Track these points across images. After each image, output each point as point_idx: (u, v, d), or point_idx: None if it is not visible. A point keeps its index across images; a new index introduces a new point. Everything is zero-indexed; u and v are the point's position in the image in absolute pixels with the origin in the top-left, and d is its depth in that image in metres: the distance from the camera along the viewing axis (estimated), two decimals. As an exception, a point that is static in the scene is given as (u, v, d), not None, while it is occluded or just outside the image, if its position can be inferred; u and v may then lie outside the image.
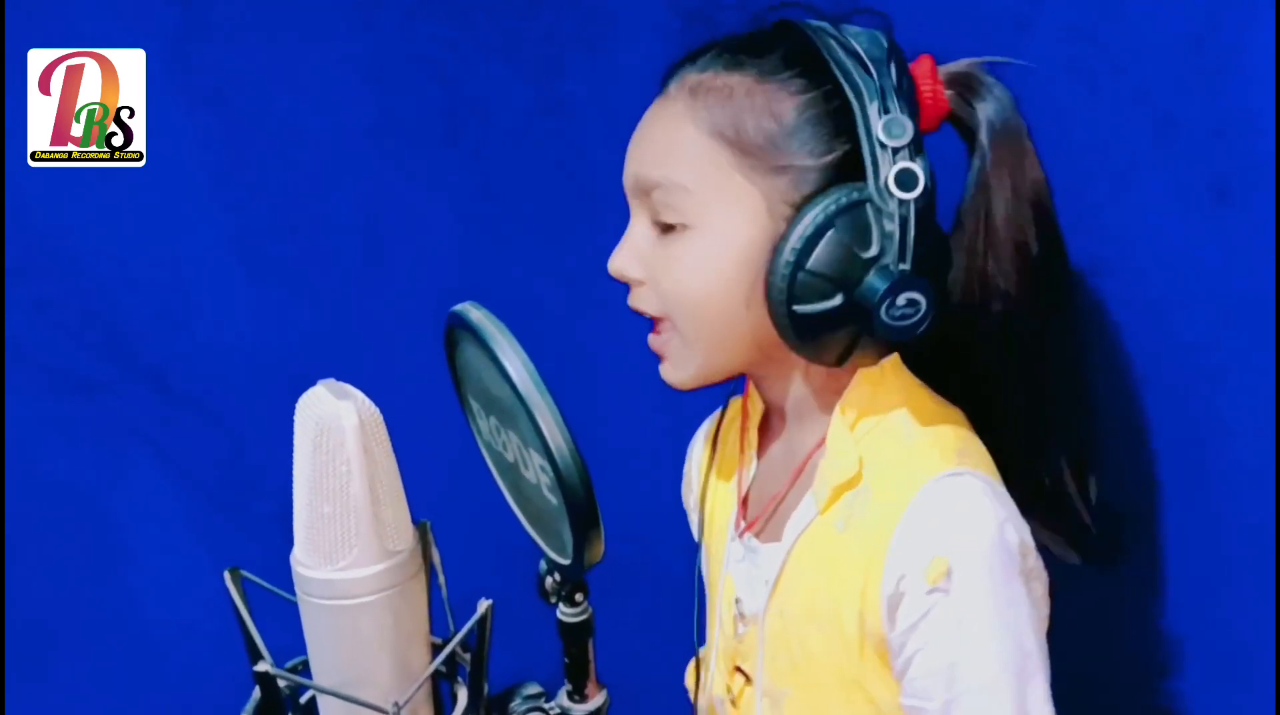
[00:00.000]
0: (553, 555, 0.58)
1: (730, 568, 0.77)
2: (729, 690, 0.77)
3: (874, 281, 0.64)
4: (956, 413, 0.72)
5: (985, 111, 0.69)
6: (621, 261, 0.71)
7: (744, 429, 0.80)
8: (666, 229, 0.69)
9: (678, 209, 0.68)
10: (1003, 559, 0.64)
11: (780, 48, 0.68)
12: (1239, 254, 0.72)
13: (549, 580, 0.62)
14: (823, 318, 0.65)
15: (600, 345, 1.09)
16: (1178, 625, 0.81)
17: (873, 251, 0.64)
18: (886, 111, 0.65)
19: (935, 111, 0.69)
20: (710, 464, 0.83)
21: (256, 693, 0.55)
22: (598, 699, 0.61)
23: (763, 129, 0.66)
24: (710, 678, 0.79)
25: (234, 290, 1.02)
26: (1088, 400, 0.76)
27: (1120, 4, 0.76)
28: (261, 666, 0.51)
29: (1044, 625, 0.67)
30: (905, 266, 0.64)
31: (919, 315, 0.65)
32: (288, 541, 0.56)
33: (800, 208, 0.65)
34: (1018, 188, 0.69)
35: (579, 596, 0.60)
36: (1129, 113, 0.77)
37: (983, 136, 0.69)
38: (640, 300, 0.72)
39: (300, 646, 0.58)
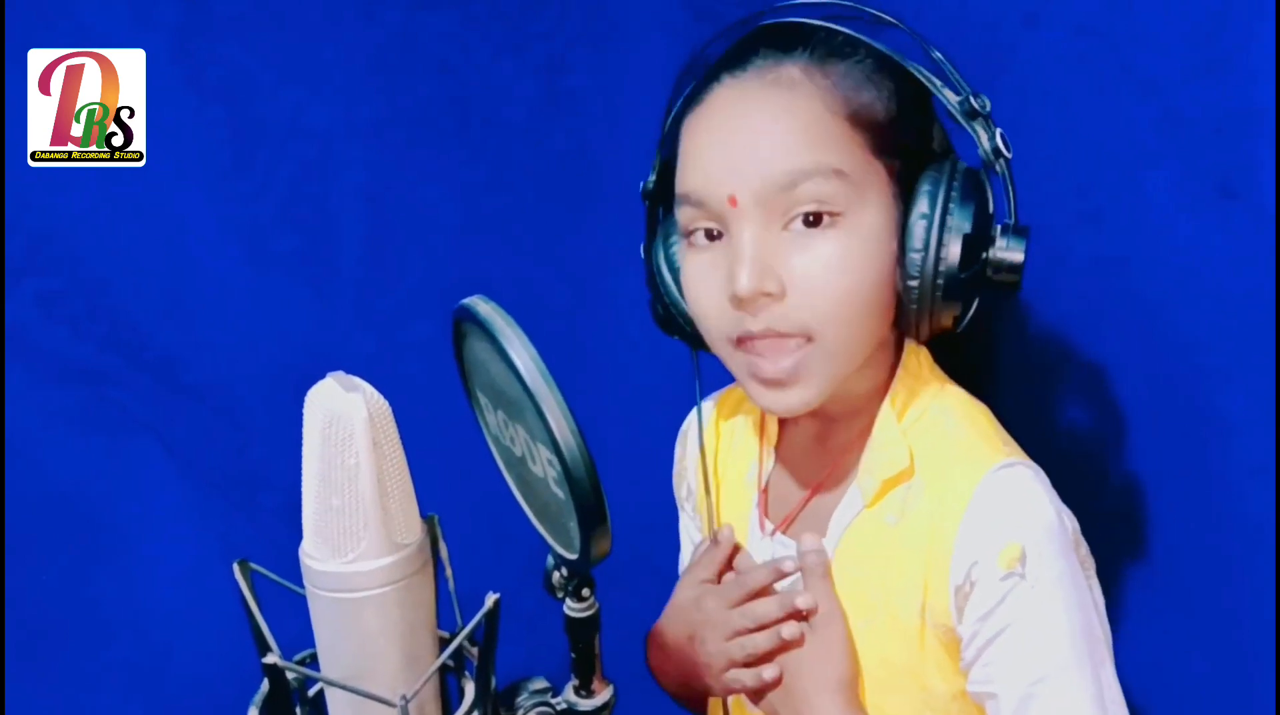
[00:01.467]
0: (560, 550, 0.58)
1: None
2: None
3: (1010, 240, 0.65)
4: (983, 405, 0.73)
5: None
6: (757, 278, 0.64)
7: (762, 424, 0.79)
8: (810, 222, 0.65)
9: (833, 197, 0.65)
10: (1067, 544, 0.66)
11: (862, 41, 0.68)
12: (1244, 250, 0.72)
13: (556, 575, 0.62)
14: (965, 286, 0.66)
15: (605, 339, 1.10)
16: (1181, 626, 0.81)
17: (991, 210, 0.67)
18: (960, 89, 0.66)
19: None
20: (711, 457, 0.82)
21: (264, 685, 0.55)
22: (604, 694, 0.61)
23: (885, 108, 0.67)
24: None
25: (241, 283, 1.02)
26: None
27: (1126, 0, 0.76)
28: (270, 659, 0.51)
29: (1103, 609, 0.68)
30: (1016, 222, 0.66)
31: (1018, 276, 0.67)
32: (294, 535, 0.56)
33: (910, 185, 0.66)
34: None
35: (586, 591, 0.60)
36: (1135, 109, 0.77)
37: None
38: (775, 320, 0.66)
39: (308, 640, 0.59)
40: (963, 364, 0.76)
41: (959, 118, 0.66)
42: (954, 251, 0.65)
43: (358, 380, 0.54)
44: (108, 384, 1.01)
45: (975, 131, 0.66)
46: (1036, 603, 0.64)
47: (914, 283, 0.65)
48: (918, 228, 0.65)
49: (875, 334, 0.69)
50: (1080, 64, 0.80)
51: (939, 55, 0.67)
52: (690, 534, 0.89)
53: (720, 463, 0.82)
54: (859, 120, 0.66)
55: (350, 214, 1.03)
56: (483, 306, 0.56)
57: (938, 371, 0.74)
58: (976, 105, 0.66)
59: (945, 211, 0.65)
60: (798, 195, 0.65)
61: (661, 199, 0.76)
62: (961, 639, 0.66)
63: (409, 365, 0.95)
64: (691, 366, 0.79)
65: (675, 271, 0.74)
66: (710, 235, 0.68)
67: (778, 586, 0.74)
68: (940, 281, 0.65)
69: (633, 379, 1.11)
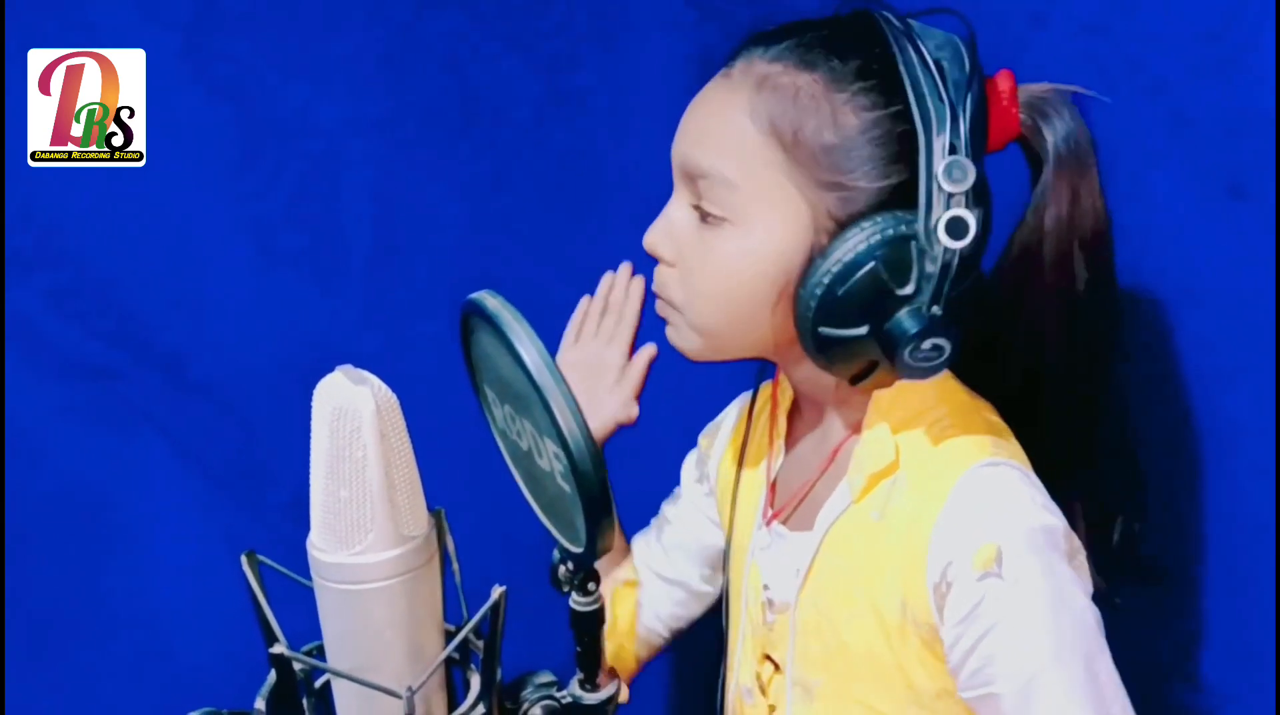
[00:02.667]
0: (566, 543, 0.58)
1: (756, 555, 0.77)
2: (758, 678, 0.77)
3: (905, 321, 0.63)
4: (987, 404, 0.71)
5: (1054, 140, 0.67)
6: (656, 238, 0.70)
7: (773, 416, 0.80)
8: (706, 218, 0.67)
9: (721, 202, 0.66)
10: (1048, 540, 0.64)
11: (859, 54, 0.65)
12: (1252, 250, 0.72)
13: (562, 569, 0.62)
14: (846, 343, 0.65)
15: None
16: (1185, 627, 0.81)
17: (908, 289, 0.63)
18: (953, 151, 0.61)
19: (1004, 134, 0.67)
20: (739, 453, 0.82)
21: (272, 676, 0.55)
22: (609, 688, 0.61)
23: (822, 140, 0.64)
24: (736, 666, 0.79)
25: (248, 280, 1.02)
26: (1130, 458, 0.74)
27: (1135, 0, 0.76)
28: (277, 648, 0.51)
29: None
30: (938, 311, 0.63)
31: (941, 359, 0.64)
32: (301, 532, 0.56)
33: (844, 226, 0.64)
34: (1074, 225, 0.67)
35: (591, 586, 0.60)
36: (1144, 109, 0.77)
37: (1047, 170, 0.67)
38: (664, 285, 0.70)
39: (314, 635, 0.59)
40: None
41: (922, 181, 0.62)
42: (832, 305, 0.63)
43: (366, 374, 0.54)
44: (116, 380, 1.01)
45: (929, 202, 0.62)
46: (1017, 602, 0.62)
47: (797, 321, 0.66)
48: (814, 272, 0.64)
49: (767, 337, 0.69)
50: (1088, 64, 0.80)
51: (964, 108, 0.62)
52: (696, 507, 0.89)
53: (746, 459, 0.82)
54: (783, 141, 0.64)
55: (357, 211, 1.03)
56: (490, 301, 0.56)
57: (955, 381, 0.72)
58: (944, 181, 0.61)
59: (847, 266, 0.62)
60: (696, 187, 0.67)
61: None
62: (944, 640, 0.65)
63: (416, 362, 0.95)
64: (729, 366, 0.78)
65: None
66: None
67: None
68: (809, 333, 0.65)
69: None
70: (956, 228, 0.62)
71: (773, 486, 0.78)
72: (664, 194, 0.71)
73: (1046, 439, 0.70)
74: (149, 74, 0.94)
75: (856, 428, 0.71)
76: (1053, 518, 0.65)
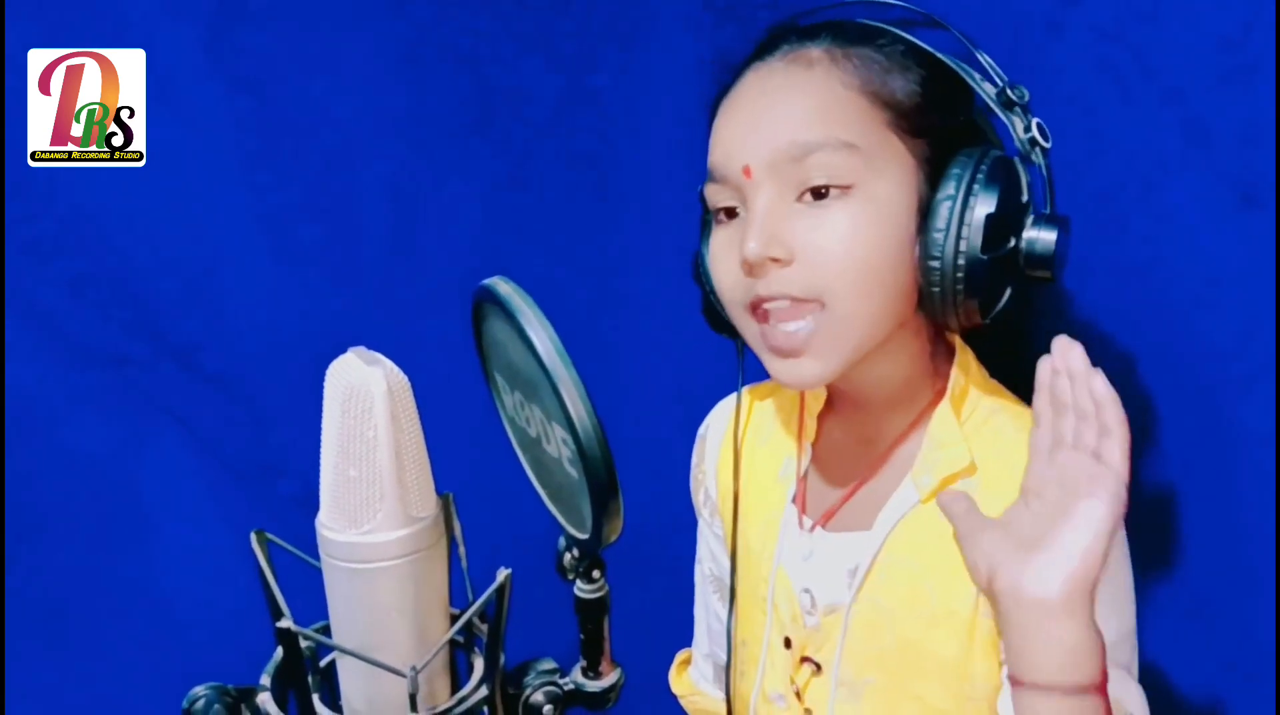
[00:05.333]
0: (571, 530, 0.58)
1: (785, 560, 0.76)
2: (792, 682, 0.76)
3: (1042, 224, 0.66)
4: (1024, 403, 0.73)
5: None
6: (764, 241, 0.65)
7: (800, 421, 0.80)
8: (819, 195, 0.66)
9: (842, 170, 0.65)
10: None
11: (854, 29, 0.69)
12: (1266, 258, 0.72)
13: (568, 556, 0.62)
14: (990, 268, 0.65)
15: (621, 336, 1.10)
16: (1186, 628, 0.80)
17: (1024, 198, 0.67)
18: (999, 80, 0.67)
19: None
20: (736, 458, 0.81)
21: (278, 653, 0.56)
22: (611, 676, 0.61)
23: (910, 90, 0.67)
24: (760, 674, 0.78)
25: (264, 272, 1.03)
26: None
27: (1151, 7, 0.76)
28: (284, 623, 0.51)
29: None
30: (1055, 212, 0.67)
31: (1061, 262, 0.67)
32: (308, 523, 0.56)
33: (937, 167, 0.67)
34: None
35: (596, 573, 0.60)
36: (1158, 116, 0.77)
37: None
38: (784, 284, 0.66)
39: (318, 619, 0.59)
40: (991, 365, 0.76)
41: (995, 108, 0.67)
42: (977, 233, 0.65)
43: (379, 356, 0.55)
44: (132, 368, 1.02)
45: (1011, 121, 0.67)
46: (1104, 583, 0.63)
47: (934, 263, 0.65)
48: (942, 208, 0.65)
49: (892, 311, 0.68)
50: (1104, 71, 0.80)
51: (976, 50, 0.69)
52: (709, 542, 0.89)
53: (749, 463, 0.82)
54: (879, 98, 0.67)
55: (374, 206, 1.04)
56: (503, 286, 0.56)
57: (984, 370, 0.74)
58: (1014, 96, 0.67)
59: (969, 193, 0.65)
60: (807, 166, 0.65)
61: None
62: None
63: (428, 355, 0.95)
64: (735, 364, 0.79)
65: None
66: (731, 213, 0.70)
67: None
68: (961, 262, 0.65)
69: (651, 376, 1.12)
70: (1043, 130, 0.67)
71: (801, 491, 0.78)
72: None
73: None
74: (170, 67, 0.95)
75: (908, 426, 0.73)
76: None
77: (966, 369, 0.73)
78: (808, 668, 0.75)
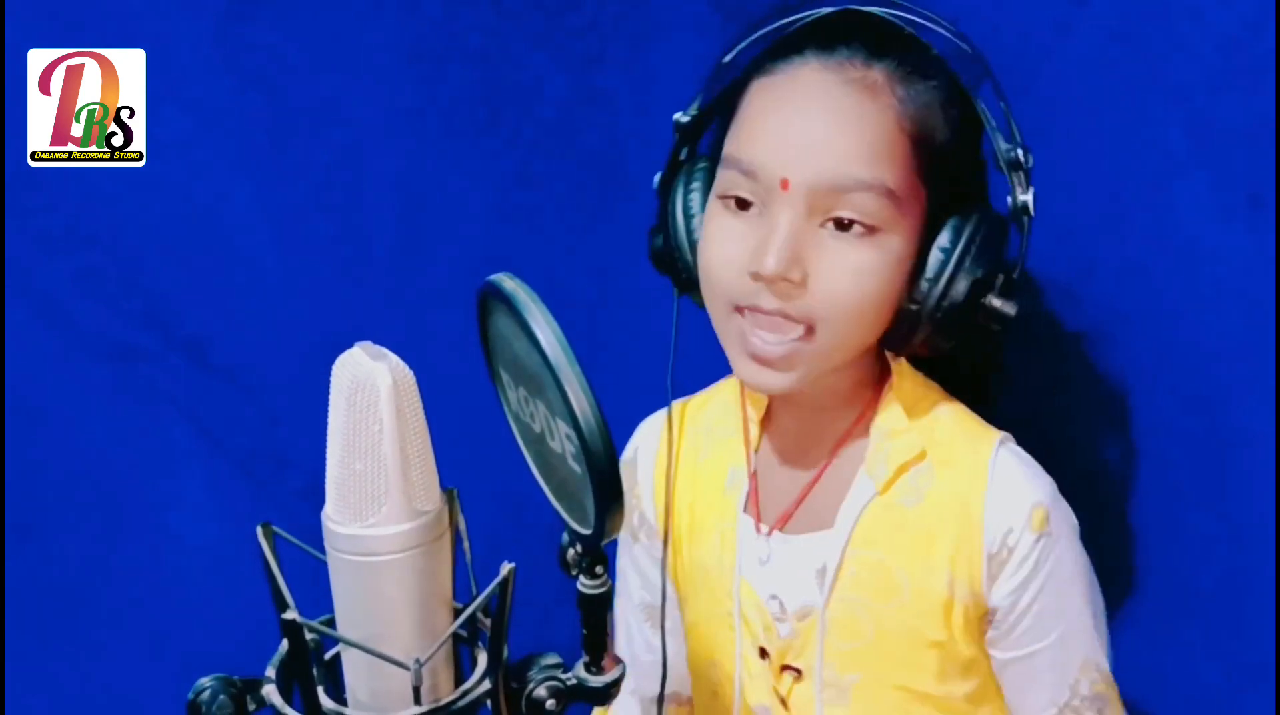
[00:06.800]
0: (575, 525, 0.58)
1: (746, 571, 0.76)
2: (775, 693, 0.76)
3: (1008, 299, 0.68)
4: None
5: None
6: (785, 264, 0.65)
7: (745, 427, 0.80)
8: (842, 226, 0.66)
9: (874, 213, 0.66)
10: (1058, 495, 0.72)
11: (919, 54, 0.68)
12: (1268, 259, 0.72)
13: (571, 552, 0.62)
14: (961, 321, 0.68)
15: (627, 336, 1.10)
16: (1187, 631, 0.80)
17: (1003, 264, 0.69)
18: (1012, 139, 0.69)
19: None
20: (669, 469, 0.81)
21: (283, 645, 0.56)
22: (614, 672, 0.62)
23: (946, 136, 0.68)
24: (738, 692, 0.78)
25: (273, 267, 1.03)
26: None
27: (1159, 8, 0.77)
28: (289, 615, 0.52)
29: None
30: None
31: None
32: (316, 517, 0.57)
33: (940, 214, 0.68)
34: None
35: (599, 569, 0.61)
36: (1166, 116, 0.77)
37: None
38: (784, 302, 0.67)
39: (324, 610, 0.59)
40: (972, 370, 0.77)
41: (1002, 164, 0.68)
42: (960, 291, 0.67)
43: (385, 350, 0.55)
44: (141, 361, 1.02)
45: (1012, 183, 0.68)
46: (1065, 554, 0.69)
47: (914, 307, 0.68)
48: (935, 258, 0.67)
49: (868, 342, 0.71)
50: (1111, 72, 0.80)
51: (1002, 99, 0.69)
52: (640, 569, 0.85)
53: (691, 480, 0.81)
54: (922, 141, 0.67)
55: (382, 202, 1.04)
56: (508, 282, 0.57)
57: (915, 369, 0.77)
58: (1022, 159, 0.68)
59: (966, 252, 0.67)
60: (845, 200, 0.66)
61: (692, 138, 0.77)
62: (997, 606, 0.70)
63: (435, 351, 0.95)
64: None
65: (690, 217, 0.74)
66: (742, 204, 0.69)
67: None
68: (939, 315, 0.68)
69: (656, 374, 1.12)
70: (1034, 203, 0.69)
71: (754, 497, 0.78)
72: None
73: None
74: (182, 62, 0.96)
75: (856, 424, 0.74)
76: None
77: (904, 371, 0.75)
78: (789, 676, 0.75)
